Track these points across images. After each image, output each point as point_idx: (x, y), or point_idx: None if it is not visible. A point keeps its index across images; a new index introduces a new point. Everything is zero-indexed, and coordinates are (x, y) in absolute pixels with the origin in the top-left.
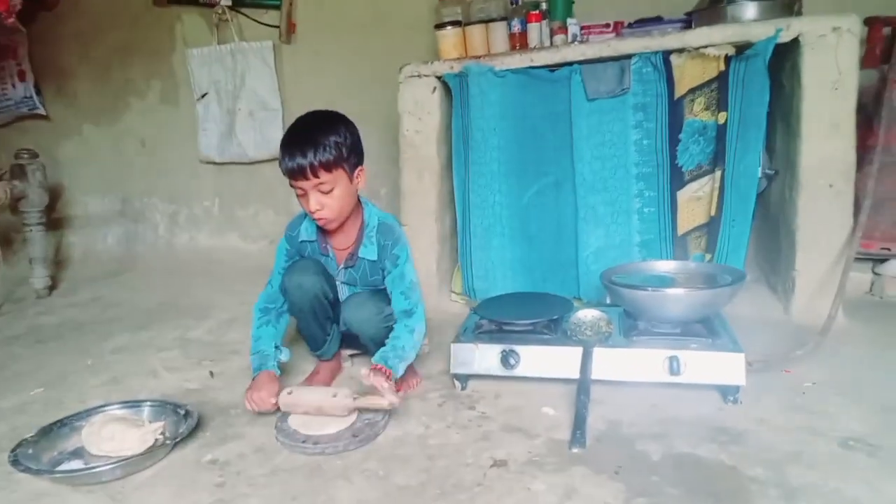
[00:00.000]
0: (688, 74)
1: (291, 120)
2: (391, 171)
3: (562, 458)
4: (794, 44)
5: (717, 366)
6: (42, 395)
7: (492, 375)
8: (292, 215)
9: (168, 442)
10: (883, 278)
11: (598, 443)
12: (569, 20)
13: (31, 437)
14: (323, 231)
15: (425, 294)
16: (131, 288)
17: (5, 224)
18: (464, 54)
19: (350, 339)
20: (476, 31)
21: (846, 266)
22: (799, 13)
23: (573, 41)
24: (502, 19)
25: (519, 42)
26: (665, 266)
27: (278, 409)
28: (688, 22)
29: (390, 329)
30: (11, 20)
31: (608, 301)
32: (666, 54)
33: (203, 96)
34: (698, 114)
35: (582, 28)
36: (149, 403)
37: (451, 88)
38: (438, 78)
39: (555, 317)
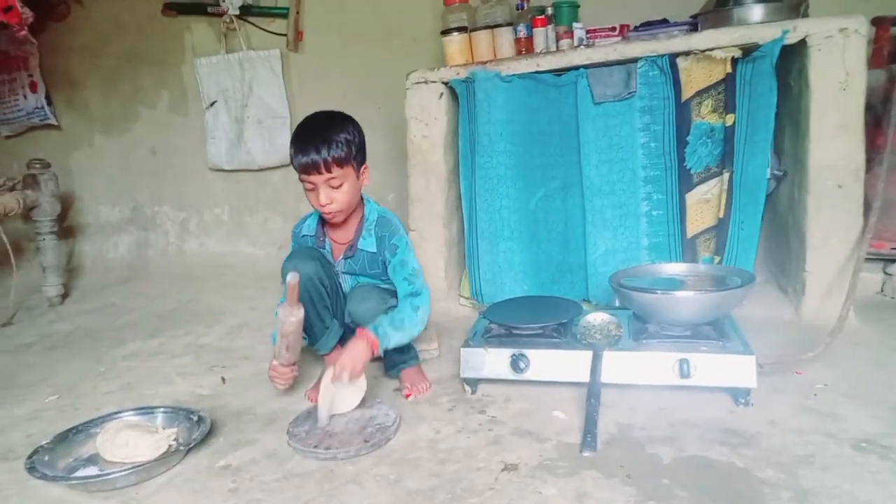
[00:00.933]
0: (694, 77)
1: None
2: (399, 176)
3: (572, 462)
4: (801, 45)
5: (728, 368)
6: (56, 402)
7: (502, 379)
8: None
9: (181, 448)
10: (894, 278)
11: (609, 446)
12: (574, 24)
13: (47, 443)
14: (322, 225)
15: (434, 298)
16: (143, 295)
17: (18, 233)
18: (470, 60)
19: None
20: (482, 37)
21: (857, 267)
22: (805, 14)
23: (579, 45)
24: (508, 25)
25: (525, 47)
26: (674, 269)
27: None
28: (694, 25)
29: None
30: (24, 32)
31: (617, 304)
32: (672, 57)
33: (212, 105)
34: (706, 116)
35: (588, 32)
36: (162, 410)
37: (457, 94)
38: (445, 84)
39: (564, 320)
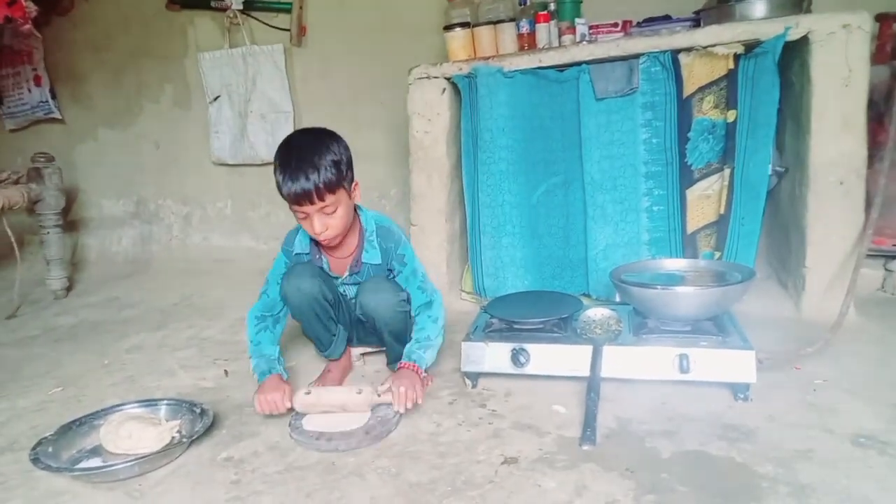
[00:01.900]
0: (696, 73)
1: (303, 122)
2: (401, 172)
3: (572, 456)
4: (804, 41)
5: (728, 363)
6: (60, 394)
7: (502, 373)
8: None
9: (184, 440)
10: (894, 275)
11: (609, 440)
12: (577, 20)
13: (51, 435)
14: (316, 243)
15: None
16: (146, 288)
17: (22, 226)
18: (472, 55)
19: (362, 334)
20: (485, 33)
21: (857, 263)
22: (808, 10)
23: (581, 41)
24: (511, 20)
25: (527, 42)
26: (675, 264)
27: (290, 409)
28: (696, 20)
29: (405, 315)
30: (27, 26)
31: (618, 299)
32: (674, 53)
33: (215, 99)
34: (707, 112)
35: (590, 28)
36: (165, 402)
37: (460, 90)
38: (447, 79)
39: (564, 315)
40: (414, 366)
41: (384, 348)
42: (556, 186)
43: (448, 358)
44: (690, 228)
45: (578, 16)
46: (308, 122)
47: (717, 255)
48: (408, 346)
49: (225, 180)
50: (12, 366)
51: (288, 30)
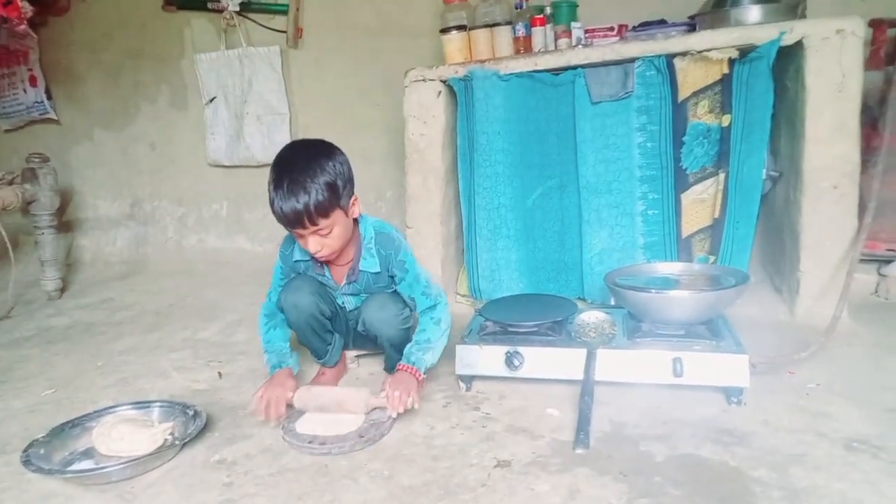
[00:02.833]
0: (691, 77)
1: (299, 124)
2: (397, 174)
3: (566, 459)
4: (798, 46)
5: (721, 367)
6: (53, 395)
7: (496, 377)
8: None
9: (177, 442)
10: (888, 279)
11: (602, 444)
12: (573, 24)
13: (43, 437)
14: None
15: None
16: (141, 290)
17: (17, 227)
18: (469, 58)
19: (359, 340)
20: (481, 36)
21: (851, 267)
22: (803, 16)
23: (577, 45)
24: (507, 23)
25: (523, 46)
26: (669, 268)
27: (290, 405)
28: (691, 25)
29: (408, 331)
30: (23, 26)
31: (612, 303)
32: (670, 57)
33: (211, 101)
34: (702, 116)
35: (586, 32)
36: (158, 404)
37: (456, 92)
38: (443, 82)
39: (559, 318)
40: (412, 368)
41: (380, 351)
42: (551, 190)
43: (442, 361)
44: (685, 232)
45: (574, 20)
46: (304, 124)
47: (712, 259)
48: (407, 347)
49: (221, 182)
50: (5, 367)
51: (284, 32)
